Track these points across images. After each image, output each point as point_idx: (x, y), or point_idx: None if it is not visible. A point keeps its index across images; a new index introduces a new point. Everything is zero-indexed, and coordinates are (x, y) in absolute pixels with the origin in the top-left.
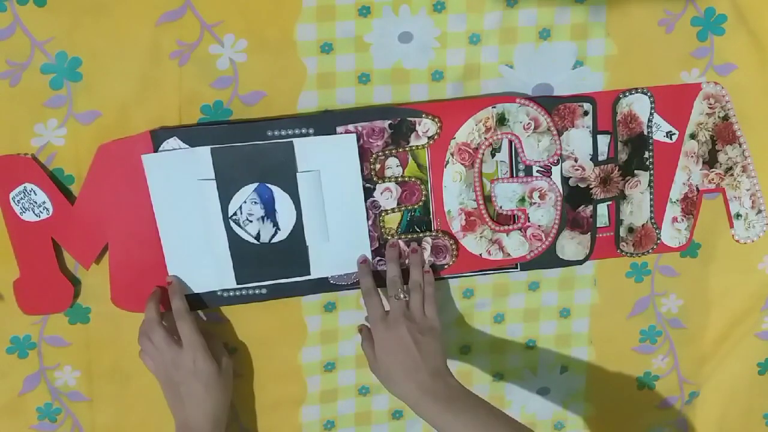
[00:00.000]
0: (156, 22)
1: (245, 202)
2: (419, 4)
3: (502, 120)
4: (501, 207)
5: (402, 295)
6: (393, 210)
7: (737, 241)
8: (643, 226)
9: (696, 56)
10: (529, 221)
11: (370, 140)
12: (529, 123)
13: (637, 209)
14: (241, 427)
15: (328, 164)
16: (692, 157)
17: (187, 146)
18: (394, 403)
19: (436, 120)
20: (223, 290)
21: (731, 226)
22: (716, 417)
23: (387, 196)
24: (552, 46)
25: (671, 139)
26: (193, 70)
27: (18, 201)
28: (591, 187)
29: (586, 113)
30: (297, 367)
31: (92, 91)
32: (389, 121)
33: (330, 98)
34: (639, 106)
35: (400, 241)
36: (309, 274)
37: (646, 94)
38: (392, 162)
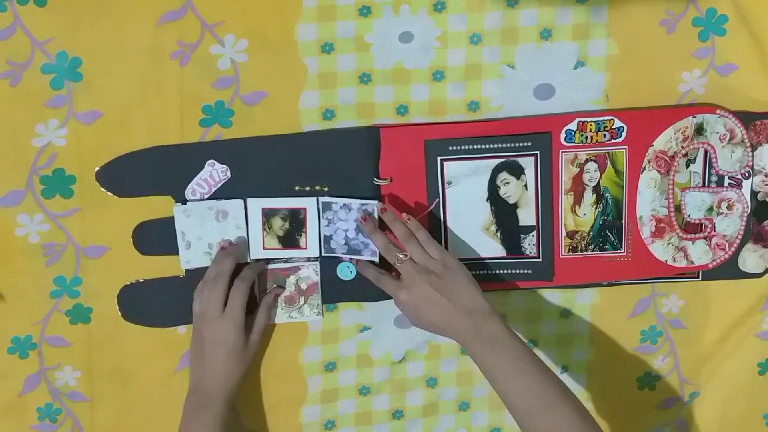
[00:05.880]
0: (157, 22)
1: None
2: (420, 4)
3: (700, 130)
4: (689, 215)
5: (402, 256)
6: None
7: None
8: None
9: (697, 56)
10: (714, 230)
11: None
12: (725, 134)
13: None
14: (241, 427)
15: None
16: None
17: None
18: (394, 402)
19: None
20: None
21: None
22: (716, 417)
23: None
24: (553, 47)
25: None
26: (194, 71)
27: None
28: None
29: None
30: (298, 366)
31: (93, 91)
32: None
33: (331, 98)
34: None
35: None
36: None
37: None
38: (591, 166)
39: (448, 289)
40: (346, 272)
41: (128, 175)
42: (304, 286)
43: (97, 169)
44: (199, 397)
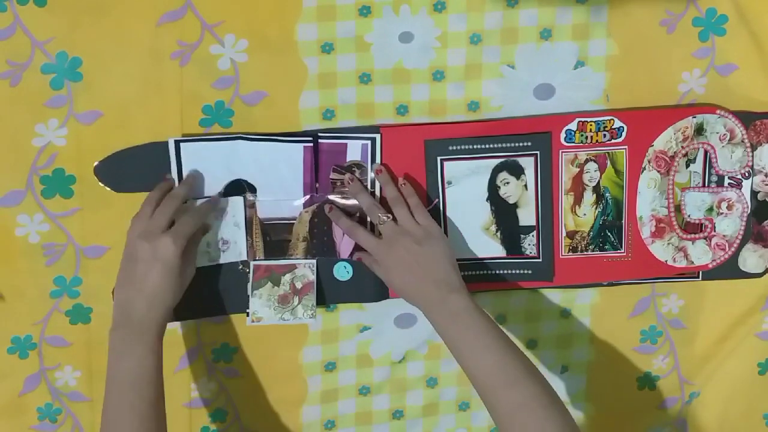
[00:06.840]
0: (157, 22)
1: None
2: (419, 3)
3: (700, 130)
4: (689, 215)
5: (384, 217)
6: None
7: None
8: None
9: (697, 56)
10: (714, 231)
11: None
12: (725, 134)
13: None
14: (241, 427)
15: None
16: None
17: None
18: (394, 402)
19: None
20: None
21: None
22: (716, 417)
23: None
24: (553, 47)
25: None
26: (194, 71)
27: None
28: None
29: None
30: (298, 366)
31: (93, 91)
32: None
33: (331, 98)
34: None
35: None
36: None
37: None
38: (591, 166)
39: (422, 256)
40: (342, 272)
41: (127, 170)
42: (299, 285)
43: (95, 163)
44: (129, 329)
